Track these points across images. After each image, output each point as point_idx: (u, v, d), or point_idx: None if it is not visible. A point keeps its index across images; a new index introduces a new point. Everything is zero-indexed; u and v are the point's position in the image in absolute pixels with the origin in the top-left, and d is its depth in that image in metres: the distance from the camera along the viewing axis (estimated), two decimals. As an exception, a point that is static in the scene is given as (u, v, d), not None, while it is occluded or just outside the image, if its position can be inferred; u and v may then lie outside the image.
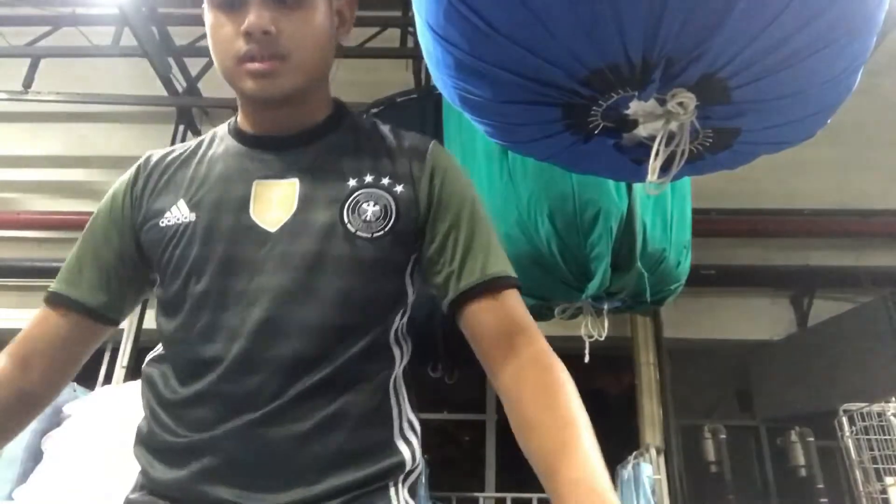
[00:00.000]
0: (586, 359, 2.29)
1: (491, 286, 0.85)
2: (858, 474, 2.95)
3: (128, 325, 4.30)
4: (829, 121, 1.36)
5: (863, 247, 4.71)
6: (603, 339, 2.38)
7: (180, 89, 4.73)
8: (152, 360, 0.91)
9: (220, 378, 0.80)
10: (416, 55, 4.42)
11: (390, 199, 0.87)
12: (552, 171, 1.90)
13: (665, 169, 1.37)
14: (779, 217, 4.78)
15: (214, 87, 4.62)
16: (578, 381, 0.79)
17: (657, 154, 1.33)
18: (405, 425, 0.88)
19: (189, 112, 4.90)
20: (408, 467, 0.85)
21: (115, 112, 4.99)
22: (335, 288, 0.83)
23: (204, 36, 4.32)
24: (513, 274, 0.88)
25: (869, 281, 4.41)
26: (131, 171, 0.97)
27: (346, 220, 0.85)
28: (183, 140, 4.21)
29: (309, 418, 0.79)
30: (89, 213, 0.97)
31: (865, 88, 1.42)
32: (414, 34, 1.69)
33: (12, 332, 0.93)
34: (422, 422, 0.92)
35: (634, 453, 3.80)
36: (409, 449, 0.86)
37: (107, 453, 2.61)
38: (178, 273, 0.86)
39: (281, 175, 0.89)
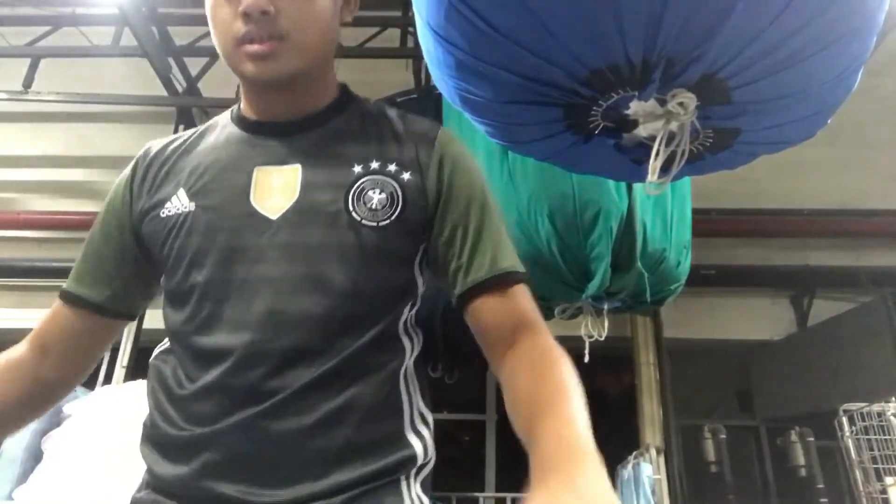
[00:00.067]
0: (586, 359, 2.29)
1: (499, 281, 0.83)
2: (858, 474, 2.95)
3: (128, 325, 4.29)
4: (829, 121, 1.36)
5: (863, 247, 4.71)
6: (603, 339, 2.38)
7: (180, 89, 4.72)
8: (160, 353, 0.90)
9: (223, 371, 0.78)
10: (416, 55, 4.42)
11: (397, 186, 0.85)
12: (552, 171, 1.90)
13: (665, 169, 1.37)
14: (779, 217, 4.78)
15: (214, 87, 4.62)
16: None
17: (657, 154, 1.33)
18: (416, 418, 0.85)
19: (189, 112, 4.90)
20: (420, 461, 0.83)
21: (115, 112, 4.98)
22: (340, 278, 0.81)
23: (204, 36, 4.30)
24: (521, 268, 0.86)
25: (869, 281, 4.41)
26: (131, 164, 0.96)
27: (351, 207, 0.83)
28: (183, 140, 4.19)
29: (314, 411, 0.77)
30: (89, 213, 0.98)
31: (865, 88, 1.42)
32: (414, 34, 1.69)
33: (12, 332, 0.94)
34: (426, 420, 0.90)
35: (634, 453, 3.80)
36: (421, 442, 0.84)
37: (107, 453, 2.61)
38: (179, 264, 0.85)
39: (283, 161, 0.87)
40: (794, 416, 4.26)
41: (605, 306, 2.36)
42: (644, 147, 1.39)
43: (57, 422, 2.92)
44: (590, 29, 1.11)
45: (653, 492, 3.43)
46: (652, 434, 4.07)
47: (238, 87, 0.95)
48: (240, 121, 0.94)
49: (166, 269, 0.88)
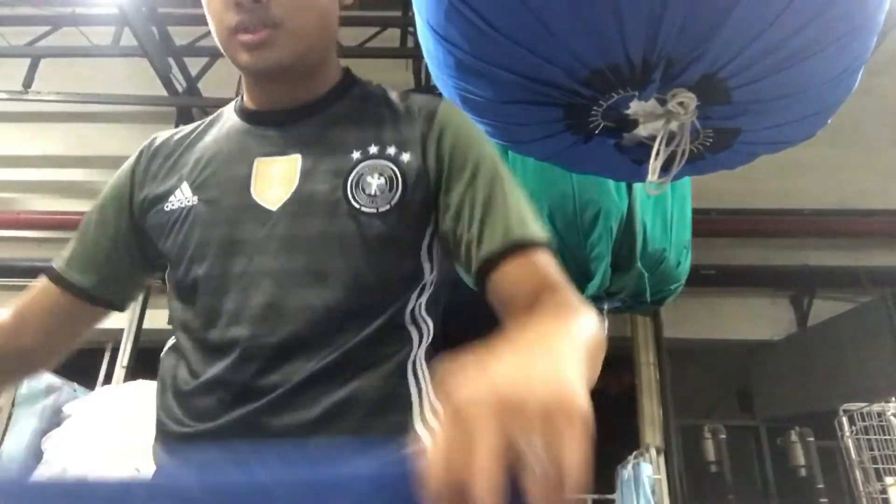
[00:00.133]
0: (586, 359, 2.29)
1: (516, 251, 0.76)
2: (858, 474, 2.94)
3: (127, 325, 4.30)
4: (829, 121, 1.36)
5: (863, 247, 4.71)
6: (603, 339, 2.38)
7: (180, 89, 4.72)
8: (169, 348, 0.89)
9: (225, 366, 0.77)
10: (416, 55, 4.42)
11: (396, 170, 0.81)
12: (552, 171, 1.90)
13: (665, 169, 1.37)
14: (778, 217, 4.79)
15: (214, 86, 4.63)
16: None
17: (657, 154, 1.33)
18: (427, 410, 0.80)
19: (189, 112, 4.90)
20: None
21: (115, 112, 4.99)
22: (341, 268, 0.78)
23: (204, 36, 4.29)
24: (542, 235, 0.79)
25: (869, 281, 4.41)
26: (135, 154, 0.95)
27: (350, 195, 0.80)
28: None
29: (317, 405, 0.75)
30: (89, 214, 0.97)
31: (865, 88, 1.42)
32: (414, 34, 1.69)
33: (13, 332, 0.94)
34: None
35: (634, 453, 3.80)
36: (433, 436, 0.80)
37: (107, 453, 2.61)
38: (181, 258, 0.84)
39: (283, 151, 0.85)
40: (794, 416, 4.26)
41: (605, 306, 2.36)
42: (644, 147, 1.39)
43: (57, 422, 2.92)
44: (590, 29, 1.11)
45: (653, 492, 3.43)
46: (652, 434, 4.07)
47: (239, 80, 0.94)
48: (242, 112, 0.92)
49: (170, 262, 0.87)
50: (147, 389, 2.95)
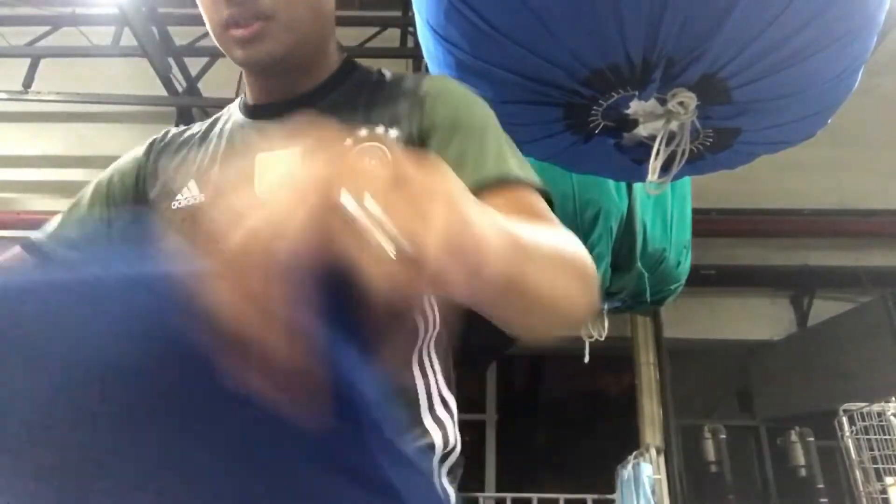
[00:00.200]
0: (586, 359, 2.30)
1: (494, 187, 0.71)
2: (858, 474, 2.95)
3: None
4: (829, 121, 1.36)
5: (863, 247, 4.71)
6: (603, 339, 2.38)
7: (180, 89, 4.72)
8: None
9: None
10: (416, 55, 4.41)
11: (385, 150, 0.77)
12: (552, 171, 1.90)
13: (665, 169, 1.37)
14: (778, 217, 4.79)
15: (214, 86, 4.62)
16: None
17: (657, 154, 1.33)
18: (436, 402, 0.77)
19: (189, 112, 4.89)
20: (440, 450, 0.75)
21: (115, 112, 4.98)
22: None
23: (204, 36, 4.28)
24: (537, 180, 0.75)
25: (869, 281, 4.41)
26: (144, 146, 0.94)
27: None
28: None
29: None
30: (90, 213, 0.97)
31: (865, 88, 1.42)
32: (414, 34, 1.69)
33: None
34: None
35: (634, 453, 3.80)
36: (441, 429, 0.76)
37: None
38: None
39: (282, 145, 0.85)
40: (794, 416, 4.26)
41: (605, 306, 2.36)
42: (644, 147, 1.39)
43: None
44: (590, 29, 1.11)
45: (653, 492, 3.43)
46: (652, 434, 4.07)
47: (239, 80, 0.94)
48: (244, 107, 0.92)
49: None
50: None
